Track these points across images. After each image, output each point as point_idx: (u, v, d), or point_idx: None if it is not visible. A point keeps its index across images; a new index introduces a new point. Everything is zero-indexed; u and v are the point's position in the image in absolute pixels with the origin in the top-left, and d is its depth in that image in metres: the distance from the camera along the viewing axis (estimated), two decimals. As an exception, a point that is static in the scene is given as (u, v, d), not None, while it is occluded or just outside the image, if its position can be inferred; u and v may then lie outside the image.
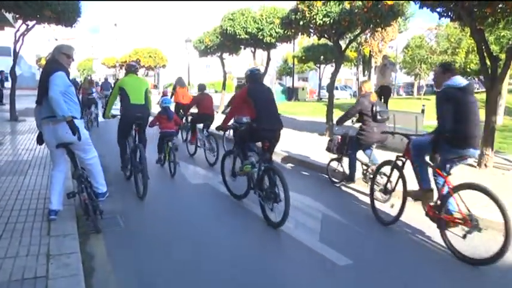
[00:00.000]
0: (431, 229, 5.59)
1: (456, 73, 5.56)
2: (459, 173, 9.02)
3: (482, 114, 10.74)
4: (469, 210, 5.13)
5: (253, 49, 21.73)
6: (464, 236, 4.96)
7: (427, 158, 5.84)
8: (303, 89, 48.09)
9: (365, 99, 7.92)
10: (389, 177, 6.54)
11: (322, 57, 39.93)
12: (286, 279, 4.41)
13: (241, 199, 7.17)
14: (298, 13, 14.18)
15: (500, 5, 8.93)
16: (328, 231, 5.76)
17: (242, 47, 22.74)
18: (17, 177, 7.59)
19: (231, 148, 7.79)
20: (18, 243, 4.58)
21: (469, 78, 53.16)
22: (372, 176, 7.08)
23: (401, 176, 6.16)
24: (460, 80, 5.39)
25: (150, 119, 8.87)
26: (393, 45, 46.77)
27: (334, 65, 17.64)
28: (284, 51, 56.75)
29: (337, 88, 46.02)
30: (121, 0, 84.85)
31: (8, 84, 23.06)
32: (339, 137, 8.56)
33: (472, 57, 33.37)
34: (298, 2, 14.27)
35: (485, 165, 9.45)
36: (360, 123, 8.03)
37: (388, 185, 6.53)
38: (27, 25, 16.60)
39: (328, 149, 8.73)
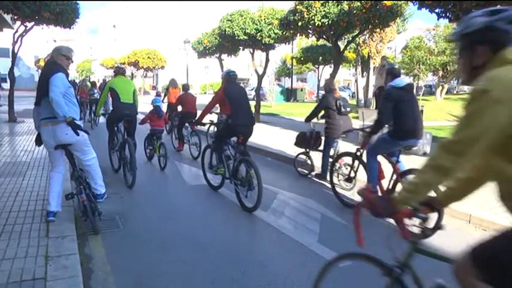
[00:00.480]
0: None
1: (398, 76, 6.48)
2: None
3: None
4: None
5: (251, 50, 21.70)
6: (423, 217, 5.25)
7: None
8: (301, 90, 48.15)
9: (329, 95, 8.52)
10: (351, 167, 7.24)
11: (320, 58, 39.93)
12: (286, 279, 4.39)
13: (218, 190, 7.82)
14: (297, 14, 14.20)
15: (498, 6, 8.93)
16: (327, 232, 5.75)
17: (241, 48, 22.71)
18: (15, 178, 7.58)
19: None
20: (17, 245, 4.57)
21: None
22: (337, 167, 7.79)
23: (363, 165, 6.79)
24: (401, 81, 6.33)
25: (141, 116, 9.76)
26: (392, 46, 46.81)
27: (332, 66, 17.62)
28: (283, 52, 56.78)
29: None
30: (120, 0, 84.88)
31: (6, 85, 23.05)
32: (308, 132, 9.30)
33: (471, 58, 33.38)
34: (297, 3, 14.28)
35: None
36: (326, 118, 8.58)
37: (352, 174, 7.20)
38: (26, 26, 16.61)
39: (296, 144, 9.45)
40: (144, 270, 4.50)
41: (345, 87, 59.22)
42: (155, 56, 51.47)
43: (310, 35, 16.01)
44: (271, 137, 14.36)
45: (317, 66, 45.84)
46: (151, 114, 9.98)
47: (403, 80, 6.43)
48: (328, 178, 7.76)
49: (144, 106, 16.61)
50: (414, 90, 7.09)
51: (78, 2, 16.76)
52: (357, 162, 7.09)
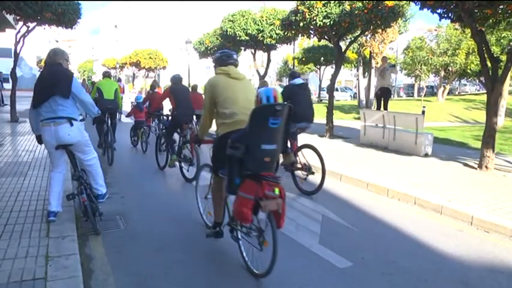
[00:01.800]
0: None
1: (297, 77, 8.64)
2: (459, 174, 9.04)
3: (483, 116, 10.75)
4: (307, 161, 8.07)
5: (253, 50, 21.73)
6: (305, 179, 8.05)
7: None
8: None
9: None
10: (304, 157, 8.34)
11: (322, 58, 39.94)
12: (287, 281, 4.38)
13: (163, 169, 9.74)
14: (298, 14, 14.20)
15: (501, 6, 8.93)
16: (328, 234, 5.74)
17: (242, 48, 22.73)
18: (16, 178, 7.58)
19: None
20: (17, 245, 4.57)
21: (469, 79, 53.40)
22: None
23: (318, 155, 7.94)
24: (298, 81, 8.49)
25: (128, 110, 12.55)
26: (393, 46, 46.78)
27: (334, 66, 17.61)
28: (284, 53, 56.85)
29: (337, 89, 46.08)
30: (121, 0, 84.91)
31: (8, 85, 23.07)
32: None
33: (473, 58, 33.35)
34: (298, 3, 14.27)
35: (486, 167, 9.43)
36: None
37: (306, 163, 8.15)
38: (28, 27, 16.60)
39: None
40: (144, 270, 4.50)
41: (346, 87, 59.08)
42: (157, 57, 51.38)
43: (312, 36, 15.99)
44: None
45: (319, 67, 45.92)
46: (134, 109, 13.09)
47: (300, 80, 8.56)
48: None
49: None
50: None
51: (80, 2, 16.77)
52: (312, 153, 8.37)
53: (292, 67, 51.46)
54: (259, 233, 4.34)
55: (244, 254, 4.71)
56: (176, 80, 9.59)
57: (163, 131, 10.23)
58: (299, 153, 8.28)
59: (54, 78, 5.24)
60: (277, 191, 4.27)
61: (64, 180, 5.69)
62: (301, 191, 7.93)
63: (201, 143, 5.50)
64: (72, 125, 5.23)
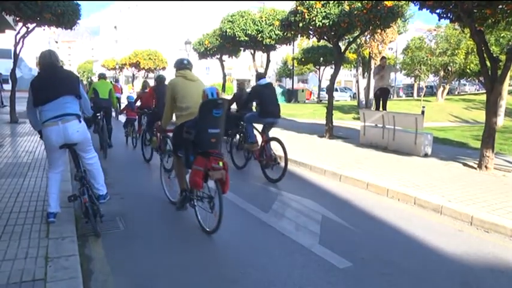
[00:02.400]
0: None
1: (263, 78, 9.53)
2: (459, 174, 9.05)
3: (482, 116, 10.76)
4: (273, 153, 9.11)
5: (252, 51, 21.74)
6: (272, 168, 9.00)
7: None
8: (302, 90, 48.17)
9: (243, 92, 12.44)
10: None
11: (321, 59, 39.97)
12: (287, 281, 4.38)
13: (148, 162, 10.78)
14: (298, 15, 14.19)
15: (500, 6, 8.93)
16: (328, 234, 5.74)
17: (241, 49, 22.75)
18: (16, 179, 7.58)
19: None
20: (17, 246, 4.57)
21: (468, 79, 53.41)
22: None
23: (282, 147, 8.76)
24: (263, 81, 9.41)
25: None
26: (393, 46, 46.81)
27: (333, 66, 17.62)
28: (284, 53, 56.91)
29: (336, 90, 46.10)
30: (121, 0, 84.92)
31: (7, 86, 23.08)
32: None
33: (472, 58, 33.37)
34: (298, 3, 14.27)
35: (486, 166, 9.43)
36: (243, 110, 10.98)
37: (273, 155, 9.17)
38: (28, 27, 16.62)
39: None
40: (143, 271, 4.50)
41: (346, 88, 59.10)
42: (156, 57, 51.44)
43: (311, 36, 15.98)
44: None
45: (318, 67, 45.89)
46: (126, 108, 14.06)
47: (265, 80, 9.48)
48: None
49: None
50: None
51: (79, 3, 16.78)
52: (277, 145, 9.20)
53: (291, 67, 51.57)
54: (209, 199, 5.59)
55: (199, 217, 5.94)
56: (160, 80, 10.88)
57: (147, 125, 11.31)
58: (267, 145, 9.22)
59: (64, 79, 5.43)
60: (221, 163, 5.55)
61: (62, 181, 5.71)
62: (268, 179, 8.91)
63: (164, 132, 6.97)
64: (80, 122, 5.35)
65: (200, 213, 5.92)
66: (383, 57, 15.80)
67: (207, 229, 5.64)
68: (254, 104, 10.41)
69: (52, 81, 5.31)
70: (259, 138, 9.51)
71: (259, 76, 9.71)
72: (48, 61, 5.52)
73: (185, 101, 6.02)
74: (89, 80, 26.64)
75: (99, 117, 11.72)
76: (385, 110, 14.34)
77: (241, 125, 10.65)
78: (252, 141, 9.50)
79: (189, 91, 6.09)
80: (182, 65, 6.37)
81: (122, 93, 22.76)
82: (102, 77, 12.91)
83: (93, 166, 5.63)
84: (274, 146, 9.10)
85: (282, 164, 8.79)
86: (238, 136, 11.30)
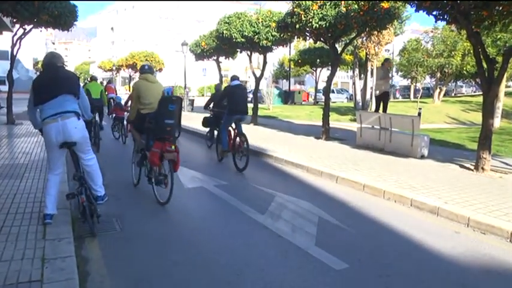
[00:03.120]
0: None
1: (235, 79, 10.80)
2: (455, 176, 9.06)
3: (479, 117, 10.78)
4: (241, 145, 10.20)
5: (249, 52, 21.70)
6: (240, 158, 10.10)
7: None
8: (299, 92, 48.19)
9: (218, 92, 13.37)
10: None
11: (318, 60, 40.01)
12: (283, 283, 4.38)
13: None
14: (294, 16, 14.21)
15: (496, 8, 8.95)
16: (324, 235, 5.74)
17: (238, 50, 22.72)
18: (13, 180, 7.56)
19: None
20: (14, 247, 4.56)
21: (465, 81, 53.53)
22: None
23: (246, 141, 10.02)
24: (235, 83, 10.71)
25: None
26: (389, 48, 46.88)
27: (330, 68, 17.63)
28: (280, 55, 56.93)
29: (333, 91, 46.13)
30: (118, 0, 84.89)
31: (4, 88, 23.09)
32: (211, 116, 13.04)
33: (468, 60, 33.47)
34: (294, 5, 14.28)
35: (483, 168, 9.45)
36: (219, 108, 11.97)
37: (241, 147, 10.27)
38: (25, 29, 16.62)
39: (203, 125, 13.23)
40: (140, 272, 4.49)
41: (343, 89, 59.13)
42: (153, 59, 51.49)
43: (308, 38, 16.02)
44: (269, 140, 14.35)
45: (315, 69, 45.93)
46: (115, 107, 15.09)
47: (237, 82, 10.73)
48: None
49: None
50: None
51: (75, 4, 16.79)
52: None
53: (288, 69, 51.58)
54: (164, 177, 6.98)
55: (156, 192, 7.27)
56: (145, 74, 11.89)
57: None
58: (236, 138, 10.50)
59: (65, 78, 5.58)
60: (173, 147, 7.06)
61: (60, 183, 5.73)
62: (236, 167, 10.16)
63: (132, 123, 8.13)
64: (79, 119, 5.48)
65: (157, 189, 7.25)
66: (387, 59, 15.51)
67: (161, 201, 7.04)
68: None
69: (53, 81, 5.45)
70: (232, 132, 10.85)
71: (233, 78, 11.03)
72: (49, 61, 5.66)
73: (147, 98, 7.61)
74: (86, 81, 27.13)
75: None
76: (386, 111, 14.25)
77: (220, 123, 11.43)
78: (224, 148, 10.70)
79: (150, 90, 7.69)
80: (144, 70, 8.05)
81: (116, 93, 22.88)
82: (94, 79, 14.82)
83: (91, 168, 5.70)
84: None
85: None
86: (216, 133, 12.45)
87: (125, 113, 14.07)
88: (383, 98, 14.02)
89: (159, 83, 8.16)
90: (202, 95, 60.16)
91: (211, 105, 12.71)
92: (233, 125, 10.75)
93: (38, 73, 62.22)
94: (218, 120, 11.89)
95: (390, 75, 14.73)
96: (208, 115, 13.14)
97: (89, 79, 19.24)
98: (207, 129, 13.56)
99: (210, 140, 13.24)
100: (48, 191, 5.50)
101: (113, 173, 8.94)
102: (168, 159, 6.96)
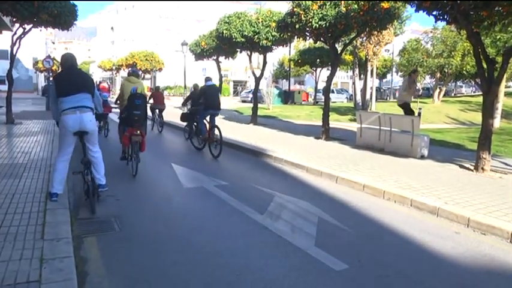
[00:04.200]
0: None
1: (209, 80, 12.91)
2: (455, 176, 9.05)
3: (479, 118, 10.78)
4: (216, 135, 12.10)
5: (249, 52, 21.69)
6: (215, 147, 11.96)
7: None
8: (299, 92, 48.18)
9: (195, 91, 15.37)
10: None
11: (318, 60, 39.96)
12: (283, 283, 4.37)
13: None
14: (294, 16, 14.19)
15: (496, 8, 8.94)
16: (324, 236, 5.73)
17: (238, 50, 22.71)
18: (12, 180, 7.54)
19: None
20: (12, 247, 4.53)
21: (465, 81, 53.53)
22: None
23: (219, 133, 11.85)
24: (209, 83, 12.79)
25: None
26: (389, 48, 46.89)
27: (330, 68, 17.61)
28: (280, 55, 56.92)
29: (333, 91, 46.11)
30: (118, 0, 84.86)
31: (3, 87, 23.08)
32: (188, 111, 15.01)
33: (468, 60, 33.47)
34: (294, 5, 14.27)
35: (483, 168, 9.44)
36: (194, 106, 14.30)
37: (215, 137, 12.23)
38: (24, 28, 16.59)
39: (182, 119, 14.77)
40: (139, 273, 4.48)
41: (342, 89, 59.12)
42: (153, 58, 51.44)
43: (308, 38, 16.00)
44: (269, 140, 14.35)
45: (315, 69, 45.91)
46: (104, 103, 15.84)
47: (211, 82, 12.86)
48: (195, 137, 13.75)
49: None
50: None
51: (75, 3, 16.78)
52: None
53: (288, 69, 51.57)
54: (136, 156, 9.01)
55: (133, 167, 9.18)
56: (133, 75, 13.20)
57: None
58: (211, 130, 12.43)
59: (84, 80, 6.72)
60: (138, 132, 9.00)
61: (68, 167, 6.63)
62: (212, 154, 11.91)
63: (121, 113, 10.36)
64: (93, 114, 6.58)
65: (130, 165, 9.52)
66: (415, 71, 14.95)
67: (133, 174, 9.09)
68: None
69: (73, 79, 6.53)
70: (208, 125, 12.86)
71: (207, 79, 13.11)
72: (71, 63, 6.75)
73: (127, 95, 9.63)
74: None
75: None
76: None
77: (196, 118, 13.39)
78: (203, 134, 12.81)
79: (130, 89, 9.67)
80: (128, 73, 11.22)
81: (109, 92, 23.10)
82: None
83: (97, 159, 6.76)
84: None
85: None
86: (193, 127, 14.10)
87: (111, 110, 16.10)
88: (404, 107, 13.47)
89: (141, 83, 10.69)
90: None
91: (188, 103, 14.99)
92: (208, 119, 12.89)
93: (36, 72, 62.44)
94: (194, 116, 13.69)
95: (416, 86, 14.13)
96: (185, 111, 15.21)
97: None
98: (218, 129, 14.27)
99: (188, 133, 14.69)
100: (56, 173, 6.39)
101: (111, 175, 8.93)
102: (135, 141, 8.95)
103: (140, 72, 52.66)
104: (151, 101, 18.11)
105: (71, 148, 6.54)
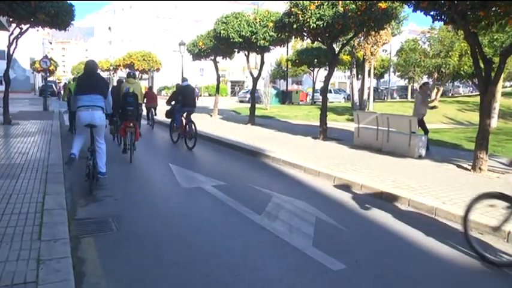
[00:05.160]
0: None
1: (185, 81, 14.59)
2: (453, 176, 9.05)
3: (476, 118, 10.80)
4: (191, 130, 13.27)
5: (246, 52, 21.69)
6: (190, 139, 13.27)
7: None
8: (296, 92, 48.20)
9: (178, 91, 15.77)
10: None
11: (315, 60, 40.00)
12: (280, 284, 4.37)
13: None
14: (292, 16, 14.19)
15: (493, 8, 8.95)
16: (321, 236, 5.73)
17: (236, 50, 22.70)
18: (9, 180, 7.51)
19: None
20: (9, 248, 4.51)
21: (462, 81, 53.63)
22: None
23: (194, 127, 13.23)
24: (185, 83, 14.40)
25: None
26: (387, 48, 46.95)
27: (327, 68, 17.60)
28: (278, 55, 56.89)
29: (330, 91, 46.12)
30: (115, 0, 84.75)
31: (1, 87, 23.03)
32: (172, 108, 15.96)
33: (466, 60, 33.51)
34: (292, 5, 14.27)
35: (480, 168, 9.46)
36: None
37: (191, 131, 13.39)
38: (21, 28, 16.55)
39: (166, 116, 15.92)
40: (136, 273, 4.47)
41: (340, 89, 59.15)
42: (150, 59, 51.34)
43: (305, 38, 16.01)
44: (266, 140, 14.35)
45: (312, 69, 45.94)
46: None
47: (186, 82, 14.48)
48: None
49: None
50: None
51: (73, 3, 16.75)
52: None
53: (285, 69, 51.59)
54: (132, 144, 10.70)
55: (130, 155, 10.68)
56: (118, 81, 15.24)
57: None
58: (188, 125, 13.54)
59: (98, 82, 8.02)
60: (131, 125, 10.56)
61: (83, 143, 7.98)
62: (187, 146, 13.23)
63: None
64: (103, 112, 7.85)
65: (130, 154, 10.72)
66: (426, 83, 14.67)
67: (130, 162, 10.59)
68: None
69: (90, 82, 7.92)
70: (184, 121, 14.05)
71: (183, 79, 15.17)
72: (92, 68, 8.21)
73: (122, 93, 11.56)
74: (67, 82, 28.81)
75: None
76: (428, 133, 13.36)
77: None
78: (177, 126, 14.47)
79: (124, 89, 11.64)
80: (127, 76, 13.63)
81: None
82: (74, 80, 17.11)
83: (101, 150, 7.99)
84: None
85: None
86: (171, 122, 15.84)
87: None
88: (421, 123, 13.06)
89: (138, 83, 13.36)
90: (200, 95, 60.12)
91: (172, 101, 16.25)
92: (185, 116, 14.08)
93: (33, 73, 62.30)
94: (178, 112, 15.10)
95: (428, 97, 13.79)
96: (168, 108, 16.44)
97: (70, 80, 23.26)
98: (193, 124, 15.29)
99: (169, 128, 16.21)
100: (76, 141, 7.86)
101: (110, 173, 8.92)
102: (129, 132, 10.66)
103: (138, 73, 52.85)
104: (145, 100, 19.06)
105: (84, 135, 7.93)
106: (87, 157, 7.71)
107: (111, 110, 8.49)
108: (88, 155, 7.74)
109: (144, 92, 19.42)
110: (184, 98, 13.94)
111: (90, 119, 7.63)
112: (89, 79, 7.96)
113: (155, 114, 20.54)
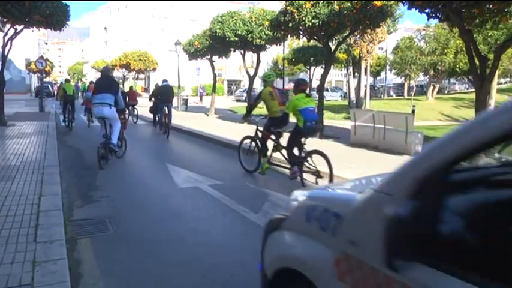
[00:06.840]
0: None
1: (165, 82, 17.51)
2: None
3: (472, 114, 10.77)
4: (169, 121, 16.76)
5: (242, 51, 21.70)
6: (164, 132, 16.75)
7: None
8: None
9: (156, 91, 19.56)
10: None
11: (312, 59, 39.93)
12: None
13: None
14: (287, 15, 14.20)
15: (487, 6, 8.98)
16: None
17: (232, 49, 22.71)
18: (4, 182, 7.48)
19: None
20: (3, 250, 4.48)
21: (458, 78, 53.72)
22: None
23: (169, 118, 16.38)
24: (164, 83, 17.46)
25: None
26: (383, 46, 46.98)
27: (324, 66, 17.62)
28: (274, 53, 56.82)
29: (327, 90, 46.16)
30: (111, 0, 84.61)
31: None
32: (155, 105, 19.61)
33: (461, 57, 33.60)
34: (287, 3, 14.27)
35: (476, 164, 9.46)
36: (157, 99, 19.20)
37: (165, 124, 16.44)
38: (16, 29, 16.51)
39: (150, 111, 19.81)
40: (133, 274, 4.46)
41: (337, 87, 59.18)
42: (146, 58, 51.26)
43: (301, 36, 16.01)
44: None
45: (308, 67, 45.90)
46: (86, 101, 19.63)
47: (166, 83, 17.03)
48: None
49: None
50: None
51: (68, 4, 16.71)
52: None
53: (282, 67, 51.57)
54: (124, 140, 11.55)
55: (124, 149, 11.58)
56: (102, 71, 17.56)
57: None
58: (167, 117, 16.39)
59: (109, 83, 10.25)
60: (122, 116, 10.76)
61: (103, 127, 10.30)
62: (166, 136, 15.85)
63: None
64: (110, 108, 9.90)
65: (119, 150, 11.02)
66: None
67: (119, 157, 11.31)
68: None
69: (103, 84, 10.19)
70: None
71: (163, 80, 17.63)
72: (106, 72, 10.84)
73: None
74: (62, 82, 30.03)
75: (69, 107, 18.24)
76: None
77: (160, 109, 17.32)
78: (160, 122, 17.19)
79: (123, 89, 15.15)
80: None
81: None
82: (67, 81, 21.39)
83: (114, 127, 10.18)
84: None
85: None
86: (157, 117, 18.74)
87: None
88: None
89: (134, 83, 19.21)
90: (196, 95, 60.06)
91: (153, 98, 18.87)
92: (166, 111, 16.44)
93: (29, 74, 62.18)
94: (158, 108, 17.94)
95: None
96: (151, 105, 19.41)
97: (64, 81, 25.36)
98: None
99: (153, 121, 19.66)
100: (113, 135, 10.09)
101: (106, 177, 8.91)
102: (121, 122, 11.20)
103: (134, 73, 52.86)
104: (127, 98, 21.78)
105: (102, 125, 10.24)
106: (103, 141, 10.00)
107: (123, 105, 10.86)
108: (104, 139, 10.08)
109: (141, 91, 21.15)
110: (162, 95, 17.11)
111: (101, 112, 9.94)
112: (102, 82, 10.34)
113: (137, 112, 22.89)
